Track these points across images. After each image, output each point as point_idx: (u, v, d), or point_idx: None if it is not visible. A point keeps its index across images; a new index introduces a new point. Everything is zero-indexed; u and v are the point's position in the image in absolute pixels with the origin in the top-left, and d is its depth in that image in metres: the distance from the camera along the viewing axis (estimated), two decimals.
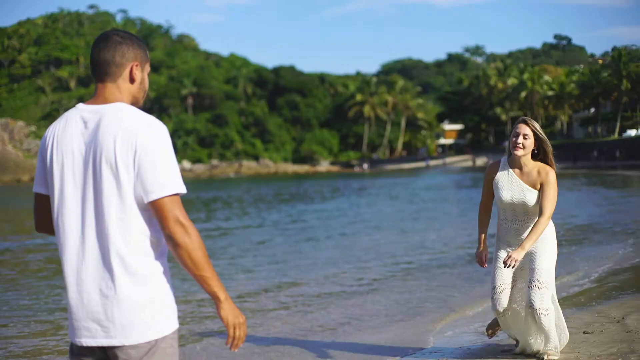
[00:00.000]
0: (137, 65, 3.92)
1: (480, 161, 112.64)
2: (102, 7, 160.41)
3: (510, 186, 7.45)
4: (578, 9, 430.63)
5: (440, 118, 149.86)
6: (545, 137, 7.48)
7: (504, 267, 7.12)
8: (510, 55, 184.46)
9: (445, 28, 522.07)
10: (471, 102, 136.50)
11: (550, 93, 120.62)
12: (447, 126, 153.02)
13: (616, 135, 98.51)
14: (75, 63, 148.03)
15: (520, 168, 7.45)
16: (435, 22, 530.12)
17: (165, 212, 3.61)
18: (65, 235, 3.78)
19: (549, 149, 7.46)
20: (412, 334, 9.99)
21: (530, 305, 7.23)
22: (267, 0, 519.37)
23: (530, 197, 7.35)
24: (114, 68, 3.87)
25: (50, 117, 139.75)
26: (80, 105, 3.86)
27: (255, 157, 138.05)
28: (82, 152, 3.73)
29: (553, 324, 7.35)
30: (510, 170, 7.51)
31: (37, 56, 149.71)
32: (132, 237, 3.68)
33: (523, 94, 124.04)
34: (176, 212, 3.62)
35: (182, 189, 3.69)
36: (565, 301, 10.99)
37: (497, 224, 7.71)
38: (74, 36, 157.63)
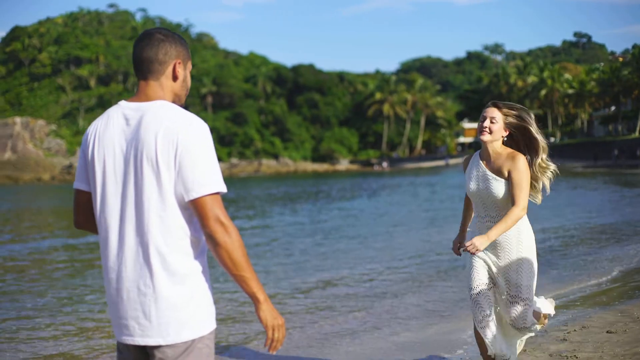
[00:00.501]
0: (179, 63, 3.93)
1: None
2: (121, 6, 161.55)
3: (477, 176, 6.75)
4: (598, 6, 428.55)
5: (460, 116, 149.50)
6: (523, 122, 6.72)
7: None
8: (530, 53, 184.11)
9: (464, 26, 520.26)
10: (491, 101, 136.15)
11: (570, 91, 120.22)
12: (467, 124, 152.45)
13: (637, 134, 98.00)
14: (95, 62, 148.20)
15: (489, 157, 6.72)
16: (454, 20, 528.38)
17: (206, 211, 3.61)
18: (106, 232, 3.81)
19: (534, 128, 6.79)
20: (445, 335, 9.96)
21: (513, 324, 6.72)
22: None
23: (496, 186, 6.57)
24: (157, 66, 3.89)
25: (70, 115, 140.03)
26: (123, 103, 3.90)
27: (275, 156, 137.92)
28: (124, 149, 3.76)
29: (522, 342, 7.12)
30: (480, 160, 6.81)
31: (57, 55, 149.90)
32: (172, 236, 3.70)
33: (543, 92, 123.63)
34: (217, 211, 3.61)
35: (223, 188, 3.69)
36: (587, 300, 11.01)
37: (475, 225, 6.98)
38: (93, 35, 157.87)
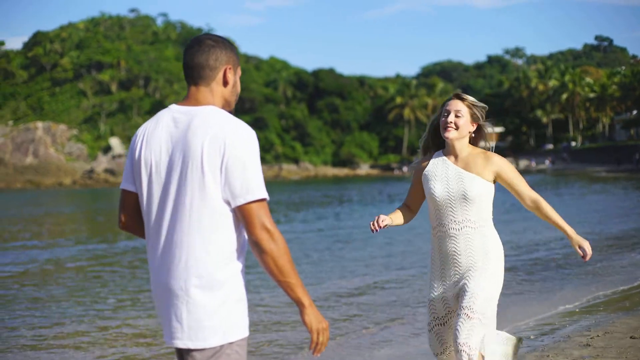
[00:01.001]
0: (230, 69, 3.97)
1: (522, 164, 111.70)
2: (142, 10, 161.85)
3: (446, 175, 5.84)
4: (619, 9, 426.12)
5: None
6: (484, 118, 6.04)
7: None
8: (551, 56, 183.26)
9: (485, 30, 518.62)
10: (512, 105, 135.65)
11: (591, 95, 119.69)
12: (487, 129, 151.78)
13: None
14: (117, 66, 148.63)
15: (457, 156, 5.92)
16: (475, 23, 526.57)
17: (252, 218, 3.65)
18: (150, 233, 3.87)
19: (488, 133, 6.15)
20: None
21: (454, 338, 5.56)
22: (307, 3, 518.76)
23: (473, 186, 5.73)
24: (208, 71, 3.92)
25: (91, 120, 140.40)
26: (173, 106, 3.93)
27: (295, 160, 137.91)
28: (170, 151, 3.80)
29: None
30: (445, 157, 5.95)
31: (79, 60, 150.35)
32: (211, 241, 3.72)
33: (564, 96, 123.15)
34: (263, 218, 3.65)
35: (267, 195, 3.71)
36: (610, 306, 10.93)
37: (431, 243, 6.02)
38: (115, 40, 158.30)
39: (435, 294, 5.81)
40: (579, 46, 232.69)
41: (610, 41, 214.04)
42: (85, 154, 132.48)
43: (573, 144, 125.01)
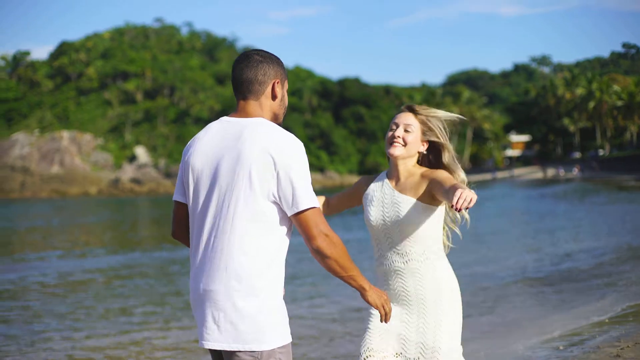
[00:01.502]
0: (278, 82, 4.13)
1: (550, 172, 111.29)
2: (167, 19, 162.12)
3: (382, 200, 5.11)
4: None
5: (507, 129, 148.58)
6: (445, 136, 5.11)
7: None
8: (578, 64, 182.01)
9: (511, 38, 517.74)
10: (538, 113, 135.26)
11: (619, 103, 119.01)
12: (514, 137, 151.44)
13: None
14: (142, 76, 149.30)
15: (398, 178, 5.11)
16: (500, 31, 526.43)
17: (310, 225, 3.85)
18: (194, 239, 4.05)
19: (450, 153, 5.13)
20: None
21: None
22: (331, 12, 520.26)
23: (408, 211, 4.93)
24: (257, 86, 4.08)
25: (117, 130, 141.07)
26: (224, 118, 4.13)
27: (321, 169, 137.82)
28: (218, 160, 3.97)
29: None
30: (387, 180, 5.18)
31: (104, 69, 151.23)
32: (253, 247, 3.89)
33: (591, 104, 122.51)
34: (320, 226, 3.85)
35: (318, 203, 3.92)
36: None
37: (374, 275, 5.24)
38: (140, 49, 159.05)
39: (375, 324, 4.97)
40: (606, 54, 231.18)
41: (638, 49, 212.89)
42: (111, 163, 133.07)
43: (600, 152, 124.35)
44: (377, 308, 4.16)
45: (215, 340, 3.86)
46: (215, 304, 3.88)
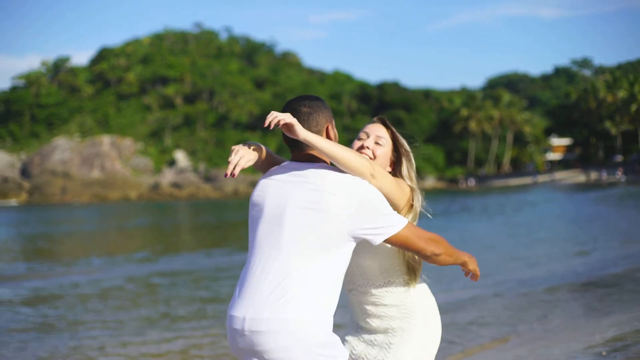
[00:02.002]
0: (330, 126, 4.25)
1: (593, 176, 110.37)
2: (206, 24, 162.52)
3: None
4: None
5: (548, 132, 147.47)
6: (408, 148, 4.75)
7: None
8: (620, 67, 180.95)
9: (551, 40, 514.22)
10: (579, 116, 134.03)
11: None
12: (555, 141, 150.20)
13: None
14: (181, 81, 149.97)
15: None
16: (541, 34, 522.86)
17: (411, 239, 4.13)
18: (251, 264, 4.15)
19: (411, 164, 4.74)
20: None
21: None
22: (371, 16, 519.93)
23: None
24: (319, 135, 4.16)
25: (156, 134, 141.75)
26: (287, 163, 4.32)
27: None
28: (284, 198, 4.12)
29: None
30: None
31: (144, 74, 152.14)
32: (311, 276, 4.00)
33: (633, 107, 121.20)
34: (419, 233, 4.16)
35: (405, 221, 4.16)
36: None
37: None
38: (179, 54, 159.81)
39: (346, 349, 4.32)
40: None
41: None
42: (151, 167, 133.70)
43: None
44: (473, 271, 4.54)
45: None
46: (272, 330, 4.01)
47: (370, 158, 4.55)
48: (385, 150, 4.64)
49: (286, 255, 4.00)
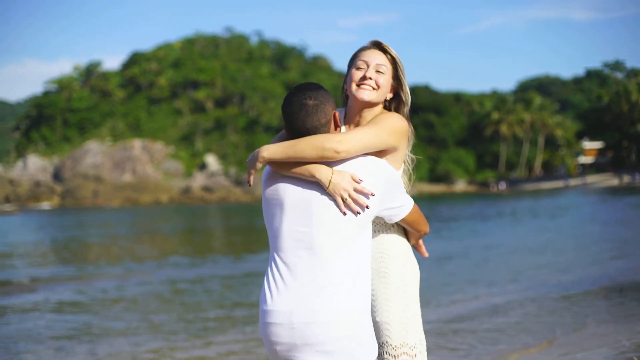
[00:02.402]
0: (335, 112, 4.15)
1: (625, 179, 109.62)
2: (237, 28, 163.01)
3: None
4: None
5: (579, 136, 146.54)
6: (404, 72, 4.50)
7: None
8: None
9: (583, 43, 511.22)
10: (611, 119, 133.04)
11: None
12: (587, 144, 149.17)
13: None
14: (212, 85, 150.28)
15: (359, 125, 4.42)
16: (572, 37, 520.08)
17: (419, 222, 4.43)
18: (283, 260, 4.09)
19: (407, 98, 4.56)
20: None
21: None
22: (401, 19, 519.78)
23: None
24: (323, 129, 4.09)
25: (187, 138, 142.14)
26: None
27: None
28: (312, 191, 4.06)
29: None
30: (345, 128, 4.51)
31: (175, 79, 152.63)
32: (349, 263, 4.03)
33: None
34: (423, 216, 4.47)
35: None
36: None
37: None
38: (210, 58, 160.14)
39: None
40: None
41: None
42: (182, 171, 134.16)
43: None
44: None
45: None
46: (317, 327, 4.04)
47: (374, 88, 4.34)
48: (386, 78, 4.39)
49: (323, 246, 3.98)
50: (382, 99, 4.43)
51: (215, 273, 22.59)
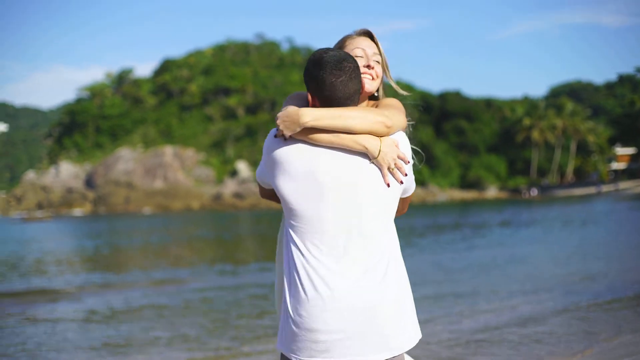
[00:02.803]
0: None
1: None
2: (268, 35, 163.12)
3: None
4: None
5: (612, 142, 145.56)
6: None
7: None
8: None
9: (615, 48, 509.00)
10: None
11: None
12: (619, 150, 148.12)
13: None
14: (243, 91, 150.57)
15: None
16: (604, 42, 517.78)
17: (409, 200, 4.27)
18: (326, 245, 3.86)
19: (398, 91, 4.53)
20: None
21: None
22: (431, 25, 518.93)
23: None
24: (358, 96, 3.92)
25: (218, 145, 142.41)
26: None
27: (422, 183, 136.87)
28: (358, 173, 3.85)
29: None
30: None
31: (206, 85, 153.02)
32: (390, 245, 3.95)
33: None
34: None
35: None
36: None
37: None
38: (241, 65, 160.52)
39: None
40: None
41: None
42: (213, 178, 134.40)
43: None
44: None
45: (379, 351, 3.83)
46: (371, 313, 3.86)
47: (374, 78, 4.20)
48: (380, 67, 4.24)
49: (369, 228, 3.79)
50: (375, 89, 4.25)
51: (248, 281, 22.58)
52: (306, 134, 3.80)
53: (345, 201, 3.78)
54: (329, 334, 3.75)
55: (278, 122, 3.81)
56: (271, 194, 4.17)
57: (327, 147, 3.80)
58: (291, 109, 3.80)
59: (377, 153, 3.83)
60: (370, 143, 3.83)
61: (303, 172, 3.78)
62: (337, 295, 3.73)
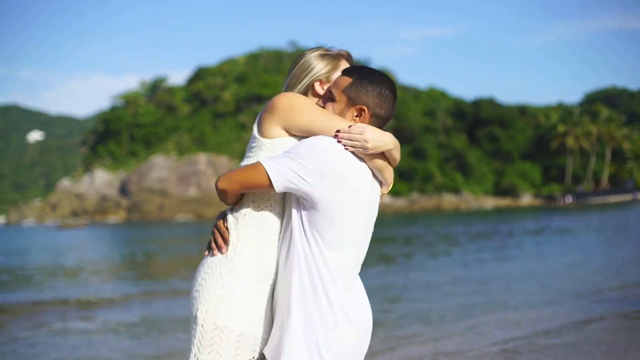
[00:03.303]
0: None
1: None
2: (301, 42, 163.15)
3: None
4: None
5: None
6: None
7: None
8: None
9: None
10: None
11: None
12: None
13: None
14: None
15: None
16: (639, 48, 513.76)
17: None
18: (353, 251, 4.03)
19: None
20: None
21: None
22: (463, 32, 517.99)
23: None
24: None
25: None
26: None
27: (456, 191, 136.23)
28: (375, 190, 4.11)
29: None
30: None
31: (239, 93, 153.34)
32: None
33: None
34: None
35: None
36: None
37: None
38: (273, 73, 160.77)
39: None
40: None
41: None
42: None
43: None
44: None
45: None
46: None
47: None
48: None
49: (365, 248, 4.07)
50: None
51: None
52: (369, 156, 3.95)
53: (370, 219, 4.04)
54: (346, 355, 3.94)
55: (348, 142, 3.86)
56: (237, 195, 4.30)
57: (367, 164, 3.97)
58: (357, 127, 3.88)
59: (390, 187, 4.09)
60: (392, 177, 4.11)
61: (354, 188, 3.89)
62: (356, 310, 4.02)
